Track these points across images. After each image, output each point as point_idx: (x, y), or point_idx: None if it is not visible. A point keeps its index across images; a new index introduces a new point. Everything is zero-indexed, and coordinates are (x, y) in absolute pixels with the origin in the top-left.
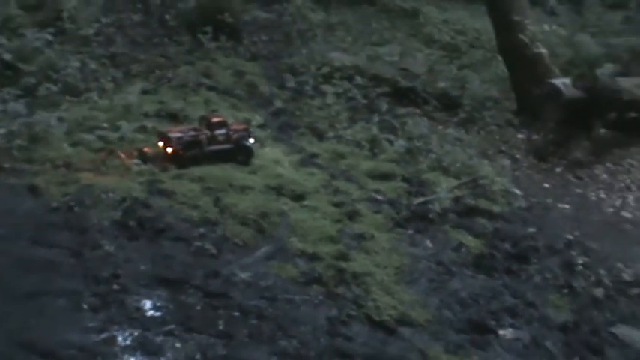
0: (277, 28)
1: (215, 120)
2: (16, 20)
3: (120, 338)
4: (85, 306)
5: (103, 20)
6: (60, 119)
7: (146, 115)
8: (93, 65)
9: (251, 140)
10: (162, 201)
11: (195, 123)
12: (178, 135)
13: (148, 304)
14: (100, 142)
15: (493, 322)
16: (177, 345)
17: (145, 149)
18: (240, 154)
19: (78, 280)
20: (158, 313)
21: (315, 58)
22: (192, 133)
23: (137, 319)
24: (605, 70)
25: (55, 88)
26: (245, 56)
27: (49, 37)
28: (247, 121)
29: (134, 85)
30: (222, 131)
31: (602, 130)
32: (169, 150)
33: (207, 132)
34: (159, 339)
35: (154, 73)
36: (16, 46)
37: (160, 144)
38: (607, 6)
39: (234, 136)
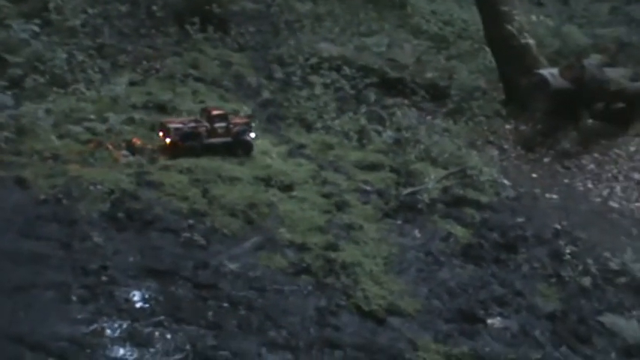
0: (265, 18)
1: (215, 113)
2: (2, 11)
3: (109, 330)
4: (74, 298)
5: (90, 11)
6: (47, 111)
7: (134, 107)
8: (80, 57)
9: (252, 135)
10: (151, 192)
11: (185, 114)
12: (177, 126)
13: (136, 295)
14: (87, 133)
15: (482, 312)
16: (167, 336)
17: (134, 140)
18: (239, 148)
19: (66, 273)
20: (147, 305)
21: (303, 49)
22: (191, 124)
23: (126, 310)
24: (593, 60)
25: (42, 80)
26: (233, 47)
27: (36, 29)
28: (235, 112)
29: (122, 77)
30: (223, 124)
31: (590, 121)
32: (168, 140)
33: (207, 124)
34: (148, 330)
35: (141, 64)
36: (3, 37)
37: (160, 134)
38: None
39: (235, 129)
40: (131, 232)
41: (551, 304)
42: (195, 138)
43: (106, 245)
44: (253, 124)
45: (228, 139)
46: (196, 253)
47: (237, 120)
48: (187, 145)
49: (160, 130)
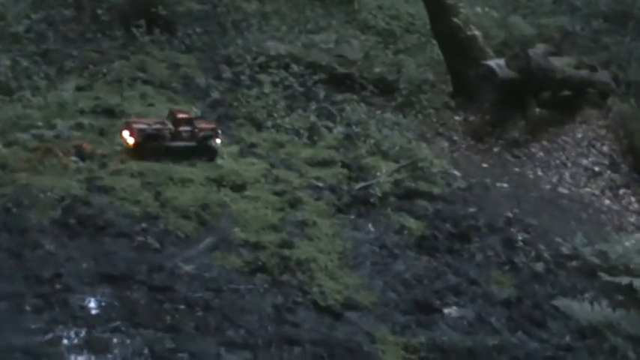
0: (212, 19)
1: (180, 116)
2: None
3: (65, 338)
4: (28, 308)
5: (34, 17)
6: None
7: (82, 112)
8: (25, 63)
9: (217, 141)
10: (102, 198)
11: (133, 117)
12: (141, 126)
13: (92, 302)
14: (35, 140)
15: (438, 302)
16: (124, 341)
17: (83, 146)
18: (204, 154)
19: (19, 282)
20: (103, 311)
21: (251, 48)
22: (156, 126)
23: (82, 317)
24: (538, 50)
25: None
26: (180, 49)
27: None
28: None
29: (68, 82)
30: (188, 128)
31: (538, 109)
32: (131, 141)
33: (172, 127)
34: (105, 336)
35: (88, 69)
36: None
37: (126, 133)
38: None
39: (200, 134)
40: (84, 239)
41: (505, 290)
42: (158, 140)
43: (58, 253)
44: (219, 131)
45: (193, 143)
46: (150, 256)
47: (204, 125)
48: (149, 146)
49: (126, 129)
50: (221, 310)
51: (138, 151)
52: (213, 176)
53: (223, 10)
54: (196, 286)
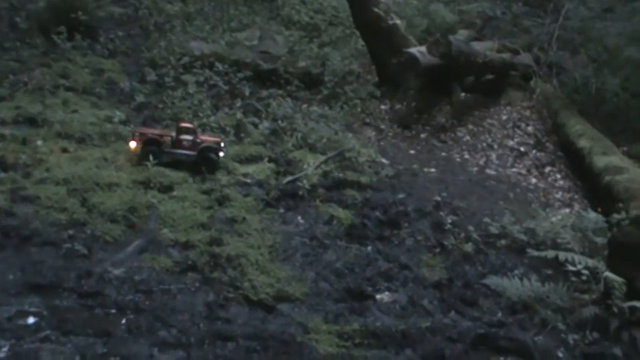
0: (134, 22)
1: (182, 125)
2: None
3: None
4: None
5: None
6: None
7: (3, 123)
8: None
9: (220, 154)
10: (27, 207)
11: (56, 125)
12: (144, 132)
13: (20, 313)
14: None
15: (370, 288)
16: (55, 350)
17: (5, 156)
18: (203, 164)
19: None
20: (32, 321)
21: (175, 50)
22: (158, 132)
23: (9, 330)
24: (459, 35)
25: None
26: (103, 54)
27: None
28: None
29: None
30: (189, 137)
31: (462, 94)
32: (133, 144)
33: (174, 135)
34: (34, 346)
35: (7, 78)
36: None
37: (132, 141)
38: None
39: (201, 145)
40: (9, 250)
41: (436, 273)
42: (157, 145)
43: None
44: (223, 144)
45: (193, 153)
46: (79, 263)
47: (207, 137)
48: (148, 149)
49: (132, 138)
50: (152, 311)
51: (139, 155)
52: (139, 179)
53: (145, 13)
54: (126, 290)
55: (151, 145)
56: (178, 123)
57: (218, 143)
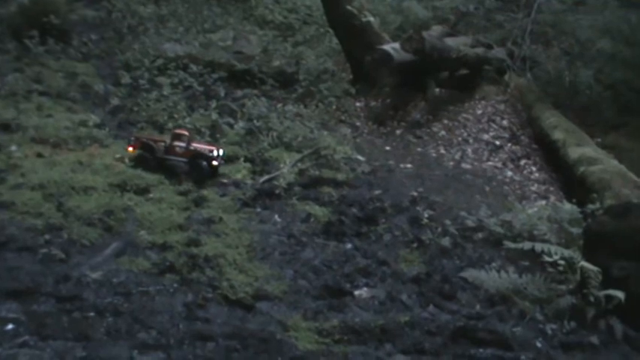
0: (107, 25)
1: (176, 132)
2: None
3: None
4: None
5: None
6: None
7: None
8: None
9: (215, 163)
10: (3, 213)
11: (31, 130)
12: (140, 137)
13: None
14: None
15: (348, 285)
16: (33, 355)
17: None
18: (193, 171)
19: None
20: (10, 327)
21: (149, 52)
22: (154, 138)
23: None
24: (433, 31)
25: None
26: (76, 57)
27: None
28: (84, 122)
29: None
30: (182, 144)
31: (437, 90)
32: (130, 149)
33: (168, 141)
34: (12, 352)
35: None
36: None
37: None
38: None
39: (193, 152)
40: None
41: (414, 268)
42: (149, 150)
43: None
44: (221, 151)
45: (185, 159)
46: (56, 267)
47: (201, 144)
48: (142, 155)
49: (130, 144)
50: (131, 313)
51: (134, 160)
52: (116, 182)
53: (118, 16)
54: (105, 293)
55: (145, 151)
56: (173, 129)
57: (211, 151)
